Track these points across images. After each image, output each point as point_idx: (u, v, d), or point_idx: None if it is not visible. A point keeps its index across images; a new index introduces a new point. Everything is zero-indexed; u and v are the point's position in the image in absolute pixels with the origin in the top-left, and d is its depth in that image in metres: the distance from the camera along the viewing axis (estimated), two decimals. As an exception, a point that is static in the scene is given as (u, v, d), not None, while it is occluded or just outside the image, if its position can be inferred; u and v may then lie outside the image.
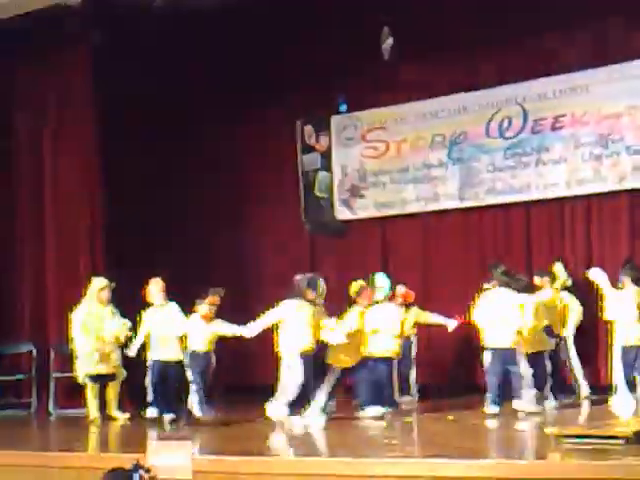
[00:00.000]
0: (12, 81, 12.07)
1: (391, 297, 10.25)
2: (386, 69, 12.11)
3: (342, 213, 12.93)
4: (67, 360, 11.53)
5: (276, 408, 9.21)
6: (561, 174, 11.44)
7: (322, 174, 13.06)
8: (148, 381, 10.00)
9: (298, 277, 9.54)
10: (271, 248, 13.18)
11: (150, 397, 9.98)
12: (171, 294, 10.26)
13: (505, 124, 11.79)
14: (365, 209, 12.75)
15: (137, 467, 5.70)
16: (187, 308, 9.97)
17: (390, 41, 11.67)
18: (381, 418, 9.43)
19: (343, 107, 12.88)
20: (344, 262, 12.66)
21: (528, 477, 6.39)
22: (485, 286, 10.07)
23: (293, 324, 9.28)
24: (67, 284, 11.75)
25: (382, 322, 9.84)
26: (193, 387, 9.54)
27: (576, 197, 11.44)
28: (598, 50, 11.18)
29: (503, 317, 9.44)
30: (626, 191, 11.13)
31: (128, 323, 10.29)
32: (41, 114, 12.05)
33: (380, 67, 12.07)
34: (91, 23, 11.41)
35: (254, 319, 9.48)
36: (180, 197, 13.02)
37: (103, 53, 11.57)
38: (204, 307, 9.65)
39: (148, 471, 5.73)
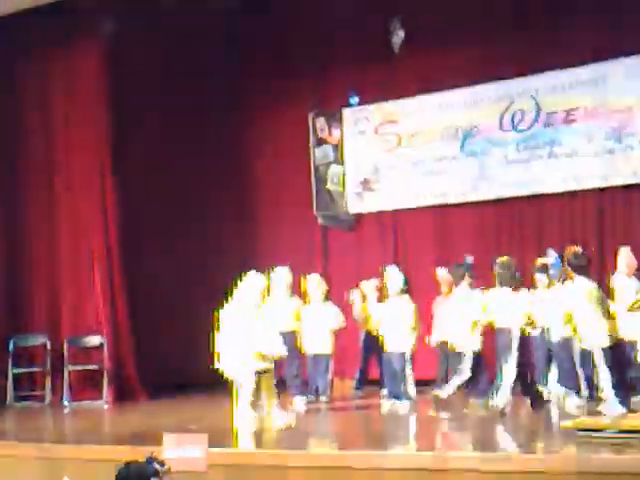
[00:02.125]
0: (22, 70, 12.09)
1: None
2: (398, 62, 12.09)
3: (354, 206, 12.92)
4: (80, 352, 11.62)
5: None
6: (573, 168, 11.42)
7: (334, 167, 13.04)
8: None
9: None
10: (283, 240, 13.15)
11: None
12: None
13: (518, 117, 11.77)
14: (377, 202, 12.74)
15: (151, 460, 5.68)
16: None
17: (401, 34, 11.65)
18: None
19: (354, 100, 12.87)
20: (356, 255, 12.66)
21: (543, 470, 6.40)
22: None
23: None
24: (81, 276, 11.82)
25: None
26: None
27: (588, 191, 11.41)
28: (612, 43, 11.11)
29: None
30: (639, 185, 11.10)
31: None
32: (51, 107, 12.07)
33: (392, 60, 12.05)
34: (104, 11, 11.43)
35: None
36: (188, 187, 12.85)
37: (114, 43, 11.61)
38: None
39: (162, 464, 5.71)
